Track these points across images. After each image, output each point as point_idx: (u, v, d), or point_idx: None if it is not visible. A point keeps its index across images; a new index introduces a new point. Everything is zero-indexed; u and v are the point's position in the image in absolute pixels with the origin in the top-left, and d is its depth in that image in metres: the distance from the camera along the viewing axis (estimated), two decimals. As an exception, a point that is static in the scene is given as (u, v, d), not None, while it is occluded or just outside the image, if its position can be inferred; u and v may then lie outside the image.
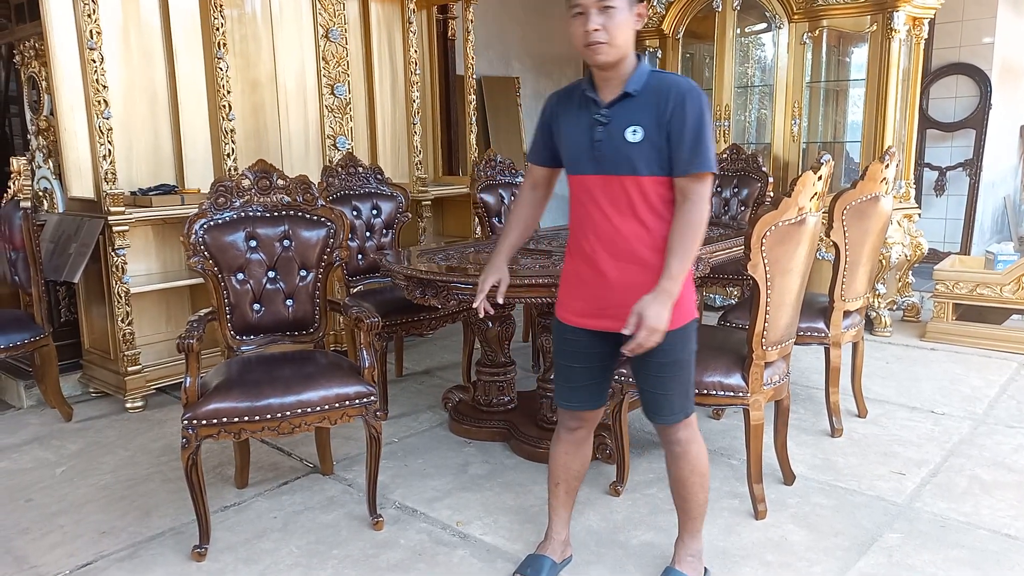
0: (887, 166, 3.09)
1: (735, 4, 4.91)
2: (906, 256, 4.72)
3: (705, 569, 2.18)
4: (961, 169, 6.50)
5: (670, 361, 1.95)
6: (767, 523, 2.48)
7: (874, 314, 4.65)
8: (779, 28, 4.82)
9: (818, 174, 2.33)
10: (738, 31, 5.02)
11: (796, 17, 4.70)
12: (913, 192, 4.91)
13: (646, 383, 2.02)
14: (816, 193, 2.37)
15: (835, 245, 3.04)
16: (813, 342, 3.13)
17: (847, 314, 3.16)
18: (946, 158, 6.57)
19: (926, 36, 4.72)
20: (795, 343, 2.68)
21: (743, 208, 4.37)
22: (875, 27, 4.46)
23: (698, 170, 1.82)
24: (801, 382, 3.75)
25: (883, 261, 4.45)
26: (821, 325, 3.11)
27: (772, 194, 4.36)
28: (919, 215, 4.92)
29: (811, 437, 3.18)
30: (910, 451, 3.03)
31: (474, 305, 2.16)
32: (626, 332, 1.82)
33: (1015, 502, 2.60)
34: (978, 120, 6.40)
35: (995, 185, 6.99)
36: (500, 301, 2.19)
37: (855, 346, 3.34)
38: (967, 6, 6.27)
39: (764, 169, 4.34)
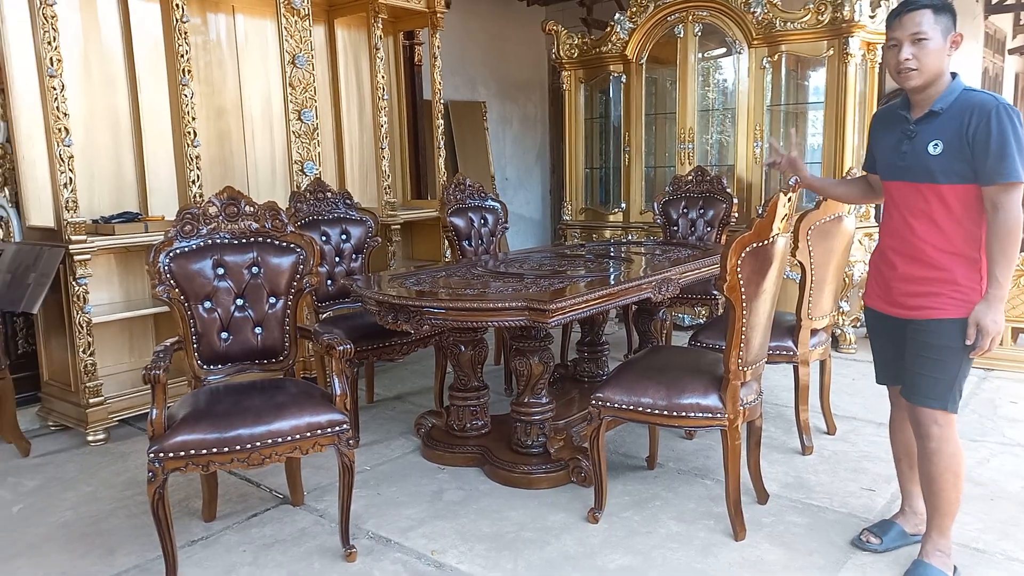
0: (849, 187, 3.16)
1: (696, 30, 5.02)
2: (868, 274, 4.82)
3: (955, 567, 2.25)
4: (917, 189, 6.67)
5: (942, 344, 2.12)
6: (743, 543, 2.48)
7: (839, 331, 4.74)
8: (739, 53, 4.94)
9: (788, 196, 2.37)
10: (699, 56, 5.13)
11: (756, 42, 4.82)
12: (873, 211, 5.03)
13: (912, 362, 2.19)
14: (785, 215, 2.41)
15: (801, 264, 3.09)
16: (782, 361, 3.17)
17: (814, 332, 3.21)
18: (902, 178, 6.73)
19: (880, 60, 4.88)
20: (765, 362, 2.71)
21: (709, 229, 4.44)
22: (831, 52, 4.59)
23: (1004, 180, 1.99)
24: (770, 400, 3.79)
25: (846, 279, 4.55)
26: (789, 344, 3.15)
27: (736, 215, 4.44)
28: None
29: (782, 455, 3.21)
30: (879, 467, 3.07)
31: (770, 160, 2.63)
32: (968, 343, 2.08)
33: (982, 515, 2.65)
34: (931, 141, 6.59)
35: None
36: (776, 159, 2.59)
37: (823, 364, 3.39)
38: (917, 32, 6.49)
39: (728, 191, 4.42)
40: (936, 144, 2.07)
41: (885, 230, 2.27)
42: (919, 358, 2.17)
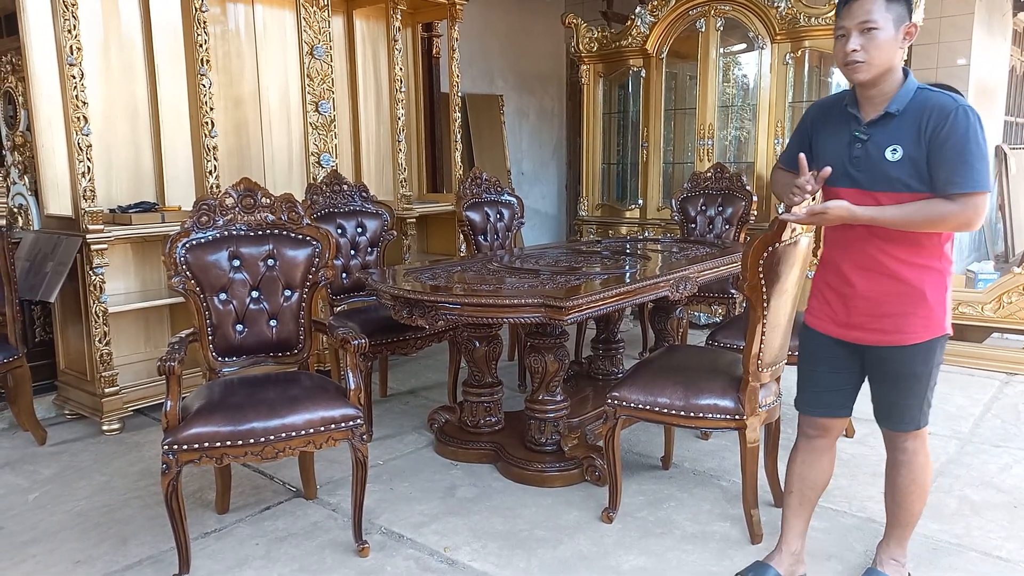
0: (872, 186, 3.10)
1: (718, 24, 4.96)
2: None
3: (909, 574, 2.21)
4: (939, 188, 6.57)
5: (909, 372, 2.00)
6: (759, 547, 2.45)
7: (858, 332, 4.67)
8: (762, 48, 4.87)
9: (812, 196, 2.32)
10: (721, 51, 5.06)
11: (779, 37, 4.75)
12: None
13: (880, 390, 2.07)
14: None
15: (822, 265, 3.04)
16: (801, 362, 3.12)
17: (834, 333, 3.16)
18: (925, 177, 6.64)
19: (905, 58, 4.79)
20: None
21: (727, 227, 4.39)
22: (856, 49, 4.51)
23: (959, 190, 1.81)
24: (787, 401, 3.73)
25: (866, 280, 4.48)
26: (809, 344, 3.10)
27: (755, 213, 4.38)
28: (900, 234, 4.96)
29: (800, 457, 3.16)
30: (898, 471, 3.01)
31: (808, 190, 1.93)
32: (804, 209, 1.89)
33: (1005, 523, 2.60)
34: (955, 140, 6.48)
35: (972, 204, 7.07)
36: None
37: (842, 365, 3.33)
38: (943, 29, 6.39)
39: (748, 188, 4.37)
40: (895, 149, 1.87)
41: (836, 243, 2.04)
42: (888, 386, 2.04)
